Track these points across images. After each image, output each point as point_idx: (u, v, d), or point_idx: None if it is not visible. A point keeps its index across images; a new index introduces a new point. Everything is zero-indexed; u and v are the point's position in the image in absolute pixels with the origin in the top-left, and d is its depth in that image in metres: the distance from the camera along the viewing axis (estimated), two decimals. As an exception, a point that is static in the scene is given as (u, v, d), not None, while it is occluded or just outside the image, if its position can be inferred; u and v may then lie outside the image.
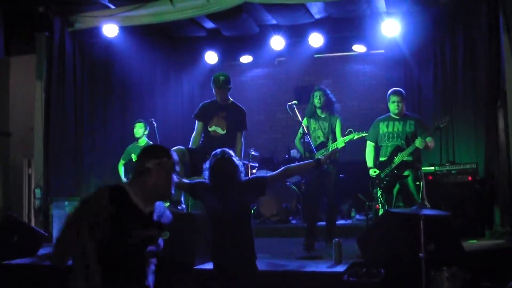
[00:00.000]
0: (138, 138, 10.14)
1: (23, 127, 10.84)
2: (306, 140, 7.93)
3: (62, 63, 10.27)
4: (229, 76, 7.55)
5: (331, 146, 8.19)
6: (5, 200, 10.14)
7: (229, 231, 5.12)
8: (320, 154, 8.05)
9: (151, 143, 9.74)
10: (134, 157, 9.93)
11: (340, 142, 8.15)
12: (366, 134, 8.15)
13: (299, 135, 8.68)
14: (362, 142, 8.30)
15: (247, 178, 5.34)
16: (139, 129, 10.04)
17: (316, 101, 8.42)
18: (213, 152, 5.24)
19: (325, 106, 8.45)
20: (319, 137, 8.36)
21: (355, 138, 8.11)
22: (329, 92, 8.56)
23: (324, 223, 8.68)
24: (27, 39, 10.48)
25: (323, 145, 8.27)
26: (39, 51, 10.33)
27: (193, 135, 7.62)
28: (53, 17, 10.03)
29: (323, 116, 8.48)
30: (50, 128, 10.08)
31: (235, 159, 5.20)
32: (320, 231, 8.42)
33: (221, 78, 7.43)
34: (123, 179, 9.91)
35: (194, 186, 5.39)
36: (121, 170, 10.07)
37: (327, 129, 8.37)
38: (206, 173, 5.22)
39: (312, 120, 8.43)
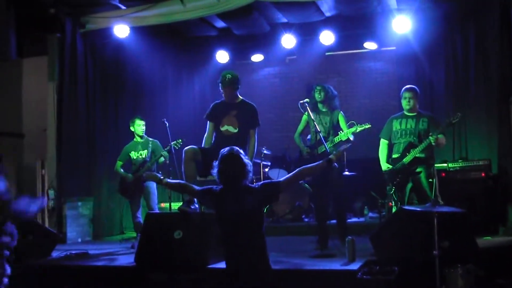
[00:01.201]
0: (139, 135, 9.70)
1: (36, 128, 10.89)
2: (321, 138, 7.86)
3: (74, 64, 10.32)
4: (237, 75, 7.49)
5: (334, 139, 8.11)
6: (19, 201, 10.17)
7: (240, 235, 5.08)
8: (322, 149, 8.02)
9: (151, 139, 9.63)
10: (134, 154, 9.63)
11: (343, 135, 8.09)
12: (369, 126, 8.08)
13: (298, 130, 8.67)
14: (375, 139, 8.27)
15: (260, 183, 5.28)
16: (142, 126, 9.68)
17: (317, 96, 8.40)
18: (221, 150, 5.25)
19: (326, 101, 8.40)
20: (319, 132, 8.32)
21: (357, 131, 8.04)
22: (330, 87, 8.53)
23: (335, 221, 8.69)
24: (39, 41, 10.53)
25: (323, 139, 8.19)
26: (51, 52, 10.38)
27: (205, 135, 7.62)
28: (64, 18, 10.08)
29: (324, 110, 8.43)
30: (62, 129, 10.12)
31: (244, 157, 5.18)
32: (332, 229, 8.40)
33: (228, 76, 7.41)
34: (128, 174, 9.64)
35: (202, 195, 5.37)
36: (120, 170, 9.76)
37: (328, 123, 8.31)
38: (215, 171, 5.21)
39: (313, 114, 8.38)
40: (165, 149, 9.31)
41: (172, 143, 9.26)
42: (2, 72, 9.96)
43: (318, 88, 8.43)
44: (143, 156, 9.50)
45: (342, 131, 8.17)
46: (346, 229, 8.33)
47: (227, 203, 5.12)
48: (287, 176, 5.40)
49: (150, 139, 9.63)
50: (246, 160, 5.18)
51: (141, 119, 9.70)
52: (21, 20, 9.54)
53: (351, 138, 8.08)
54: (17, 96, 10.41)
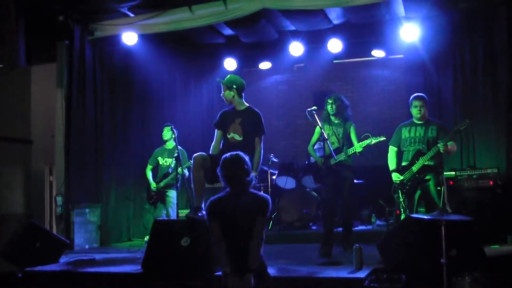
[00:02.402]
0: (166, 141, 10.22)
1: (44, 134, 10.94)
2: (328, 145, 7.90)
3: (82, 71, 10.36)
4: (232, 78, 7.49)
5: (348, 151, 8.15)
6: (27, 207, 10.21)
7: (238, 237, 5.14)
8: (338, 159, 8.07)
9: (180, 148, 9.76)
10: (160, 160, 10.14)
11: (358, 147, 8.11)
12: (384, 138, 8.10)
13: (312, 141, 8.69)
14: (383, 147, 8.26)
15: (262, 199, 5.35)
16: (167, 133, 10.13)
17: (329, 108, 8.43)
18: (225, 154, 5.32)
19: (339, 113, 8.43)
20: (333, 143, 8.32)
21: (372, 143, 8.07)
22: (341, 98, 8.54)
23: (340, 229, 8.70)
24: (48, 48, 10.58)
25: (337, 151, 8.24)
26: (60, 59, 10.42)
27: (213, 143, 7.61)
28: (73, 25, 10.12)
29: (336, 122, 8.46)
30: (71, 135, 10.15)
31: (246, 163, 5.25)
32: (336, 237, 8.41)
33: (220, 80, 7.52)
34: (152, 183, 10.00)
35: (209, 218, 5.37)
36: (149, 174, 10.19)
37: (341, 135, 8.34)
38: (219, 174, 5.32)
39: (326, 126, 8.41)
40: (185, 167, 9.50)
41: (187, 157, 9.53)
42: (11, 79, 9.98)
43: (330, 101, 8.45)
44: (168, 164, 9.91)
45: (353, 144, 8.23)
46: (351, 238, 8.35)
47: (226, 205, 5.22)
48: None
49: (179, 147, 9.72)
50: (247, 167, 5.25)
51: (168, 126, 10.03)
52: (30, 27, 9.58)
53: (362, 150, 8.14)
54: (25, 103, 10.43)
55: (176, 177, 9.66)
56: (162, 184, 9.94)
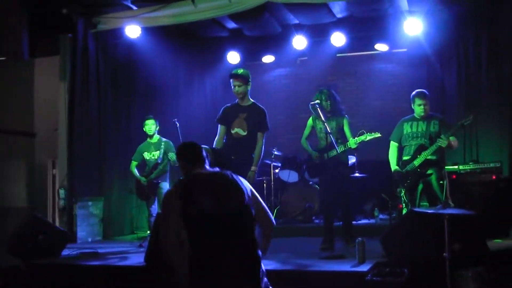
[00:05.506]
0: (151, 135, 9.82)
1: (47, 128, 10.94)
2: (331, 138, 7.84)
3: (85, 64, 10.34)
4: (248, 72, 7.58)
5: (342, 147, 8.09)
6: (30, 200, 10.22)
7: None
8: (332, 153, 8.04)
9: (164, 139, 9.70)
10: (147, 155, 9.78)
11: (352, 143, 8.07)
12: (379, 135, 8.07)
13: (305, 134, 8.65)
14: (385, 141, 8.26)
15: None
16: (152, 126, 9.76)
17: (324, 104, 8.34)
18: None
19: (331, 106, 8.37)
20: (324, 138, 8.27)
21: (367, 139, 8.01)
22: (334, 92, 8.51)
23: (341, 223, 8.72)
24: (51, 41, 10.57)
25: (329, 146, 8.14)
26: (63, 52, 10.43)
27: (216, 138, 7.62)
28: (76, 18, 10.11)
29: (329, 115, 8.41)
30: (74, 128, 10.15)
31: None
32: (338, 231, 8.42)
33: (239, 70, 7.57)
34: (142, 178, 9.72)
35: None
36: (135, 171, 9.83)
37: (334, 129, 8.26)
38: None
39: (318, 120, 8.35)
40: (174, 150, 9.37)
41: (172, 144, 9.40)
42: (14, 72, 9.98)
43: (323, 96, 8.35)
44: (155, 158, 9.58)
45: (347, 138, 8.19)
46: (352, 231, 8.35)
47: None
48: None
49: (164, 139, 9.66)
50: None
51: (150, 119, 9.75)
52: (33, 20, 9.59)
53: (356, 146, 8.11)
54: (29, 96, 10.43)
55: (167, 166, 9.60)
56: (153, 175, 9.55)
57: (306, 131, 8.62)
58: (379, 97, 13.12)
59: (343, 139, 8.25)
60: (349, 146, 8.10)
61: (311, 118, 8.50)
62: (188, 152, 4.62)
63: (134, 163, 9.81)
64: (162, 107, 11.75)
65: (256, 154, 7.41)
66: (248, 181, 7.09)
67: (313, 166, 8.57)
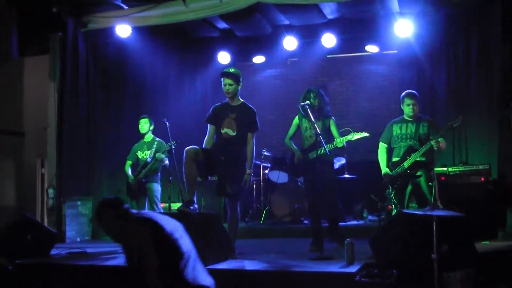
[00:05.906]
0: (144, 134, 9.90)
1: (36, 127, 10.92)
2: (321, 139, 7.75)
3: (75, 63, 10.32)
4: (239, 72, 7.55)
5: (328, 147, 7.98)
6: (19, 199, 10.20)
7: None
8: (314, 155, 7.97)
9: (158, 139, 9.69)
10: (140, 154, 9.80)
11: (339, 142, 8.02)
12: (367, 135, 8.04)
13: (289, 134, 8.60)
14: (375, 142, 8.26)
15: None
16: (144, 125, 9.83)
17: (312, 102, 8.27)
18: None
19: (319, 106, 8.30)
20: (311, 137, 8.23)
21: (354, 138, 7.95)
22: (323, 93, 8.47)
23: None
24: (40, 40, 10.55)
25: (315, 145, 8.05)
26: (53, 51, 10.40)
27: (205, 138, 7.59)
28: (66, 17, 10.09)
29: (316, 116, 8.35)
30: (63, 128, 10.13)
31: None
32: (326, 232, 8.41)
33: (231, 69, 7.53)
34: (130, 176, 9.70)
35: None
36: (128, 170, 9.83)
37: (320, 130, 8.18)
38: None
39: (304, 120, 8.31)
40: (163, 150, 9.38)
41: (165, 144, 9.36)
42: (3, 70, 9.97)
43: (312, 94, 8.29)
44: (147, 157, 9.57)
45: (334, 138, 8.14)
46: (338, 231, 8.34)
47: None
48: None
49: (157, 139, 9.65)
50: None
51: (144, 118, 9.78)
52: (23, 19, 9.57)
53: (344, 145, 8.06)
54: (18, 95, 10.43)
55: (157, 166, 9.60)
56: (141, 175, 9.56)
57: (291, 130, 8.56)
58: (369, 98, 13.16)
59: (329, 140, 8.20)
60: (336, 145, 8.05)
61: (297, 117, 8.46)
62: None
63: (128, 163, 9.84)
64: (152, 107, 11.71)
65: (249, 156, 7.38)
66: (244, 184, 7.11)
67: (296, 165, 8.52)
